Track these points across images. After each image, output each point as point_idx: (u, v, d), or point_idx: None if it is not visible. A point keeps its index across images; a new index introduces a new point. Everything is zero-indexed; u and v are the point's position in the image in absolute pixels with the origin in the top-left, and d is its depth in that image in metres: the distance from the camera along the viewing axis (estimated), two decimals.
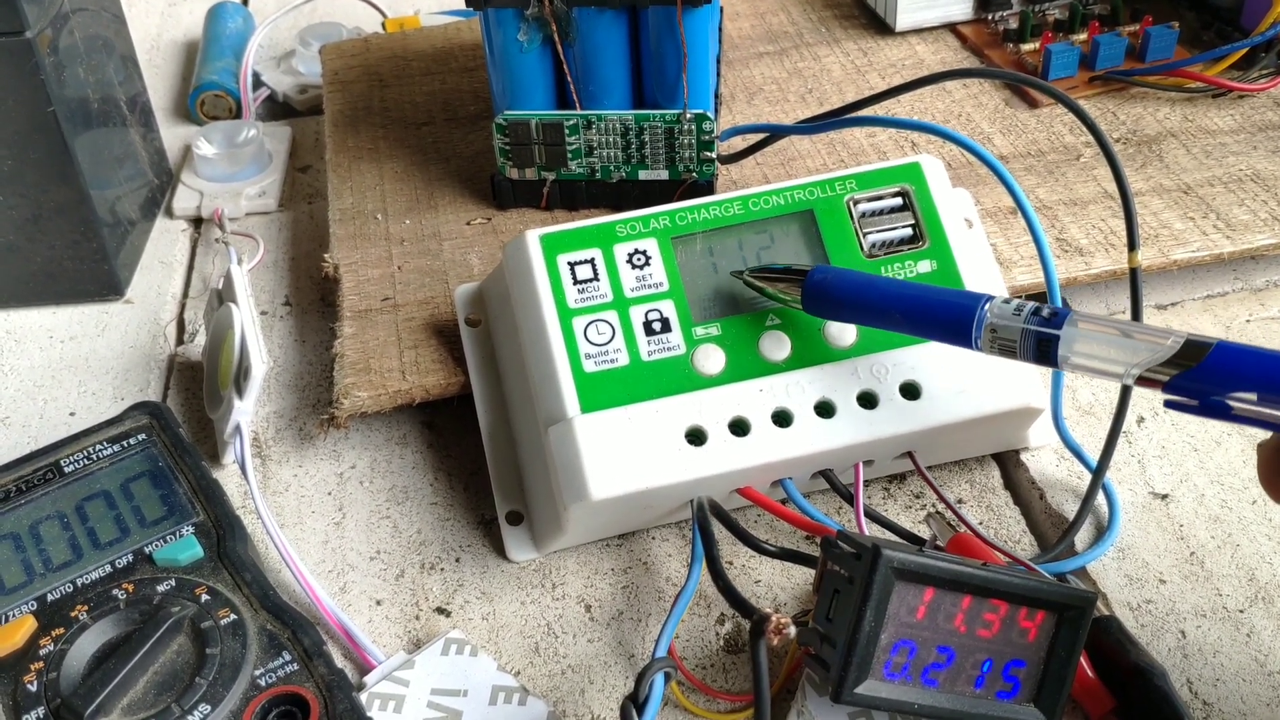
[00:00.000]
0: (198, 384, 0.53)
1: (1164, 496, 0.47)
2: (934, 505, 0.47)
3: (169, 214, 0.63)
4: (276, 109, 0.72)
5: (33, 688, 0.36)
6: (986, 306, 0.38)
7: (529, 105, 0.54)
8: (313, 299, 0.58)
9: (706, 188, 0.55)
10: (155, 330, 0.56)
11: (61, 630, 0.37)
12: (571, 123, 0.53)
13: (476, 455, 0.49)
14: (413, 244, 0.55)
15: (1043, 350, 0.36)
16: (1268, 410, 0.32)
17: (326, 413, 0.48)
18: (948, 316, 0.39)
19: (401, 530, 0.47)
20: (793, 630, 0.34)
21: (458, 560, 0.45)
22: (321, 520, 0.47)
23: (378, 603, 0.44)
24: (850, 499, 0.44)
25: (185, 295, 0.58)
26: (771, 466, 0.43)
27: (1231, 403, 0.33)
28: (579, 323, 0.44)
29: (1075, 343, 0.36)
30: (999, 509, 0.47)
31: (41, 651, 0.36)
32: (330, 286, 0.58)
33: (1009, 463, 0.49)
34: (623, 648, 0.42)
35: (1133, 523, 0.46)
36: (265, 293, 0.58)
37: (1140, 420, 0.50)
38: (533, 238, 0.45)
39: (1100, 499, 0.46)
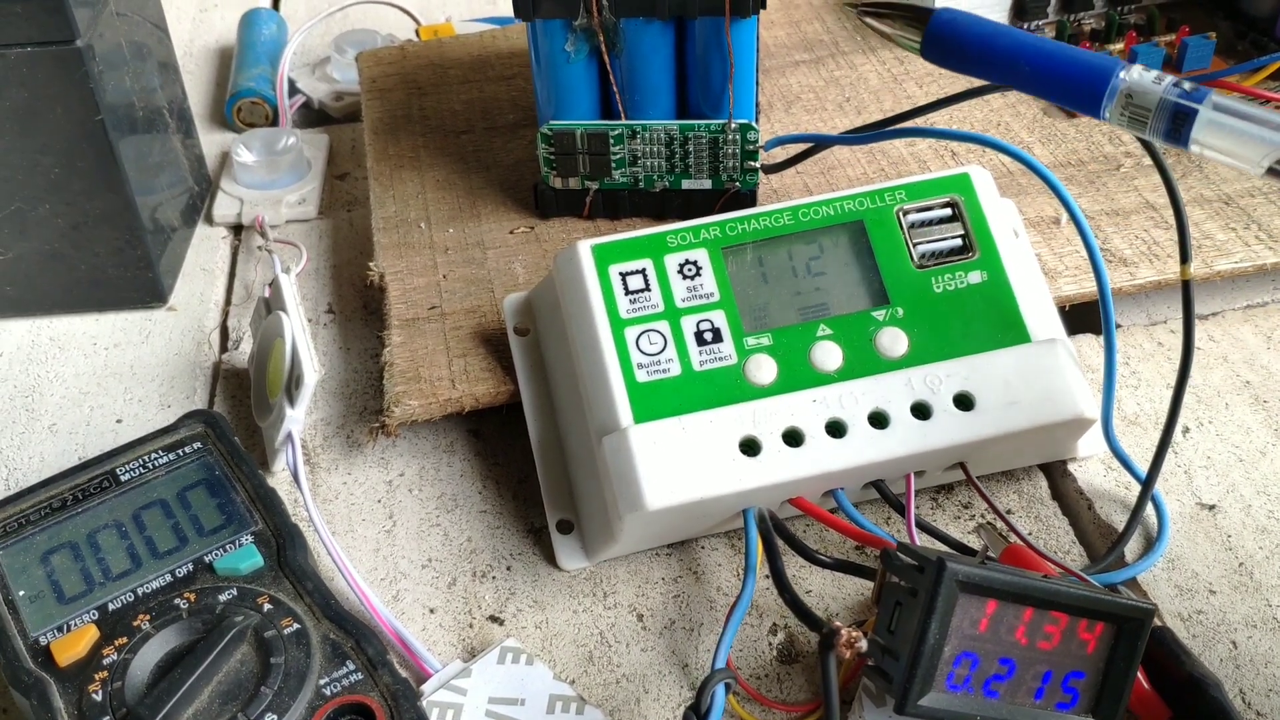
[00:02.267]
0: (244, 391, 0.53)
1: (1211, 507, 0.47)
2: (985, 516, 0.47)
3: (209, 221, 0.63)
4: (312, 116, 0.72)
5: (98, 697, 0.36)
6: (1123, 72, 0.37)
7: (574, 115, 0.54)
8: (355, 307, 0.58)
9: (749, 198, 0.55)
10: (199, 337, 0.56)
11: (124, 640, 0.37)
12: (616, 133, 0.54)
13: (524, 464, 0.49)
14: (457, 252, 0.55)
15: (1176, 125, 0.35)
16: None
17: (377, 421, 0.48)
18: (1080, 76, 0.38)
19: (452, 538, 0.47)
20: (864, 644, 0.34)
21: (509, 568, 0.46)
22: (372, 528, 0.47)
23: (431, 611, 0.44)
24: (901, 509, 0.44)
25: (228, 302, 0.58)
26: (826, 477, 0.43)
27: None
28: (631, 333, 0.44)
29: (1210, 125, 0.35)
30: (1047, 519, 0.47)
31: (105, 661, 0.37)
32: (373, 294, 0.58)
33: (1056, 473, 0.49)
34: (676, 657, 0.42)
35: (1181, 533, 0.46)
36: (308, 300, 0.58)
37: (1185, 430, 0.50)
38: (584, 248, 0.46)
39: (1148, 510, 0.46)
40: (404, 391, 0.48)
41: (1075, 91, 0.38)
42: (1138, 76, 0.36)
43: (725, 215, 0.46)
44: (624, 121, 0.53)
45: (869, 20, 0.44)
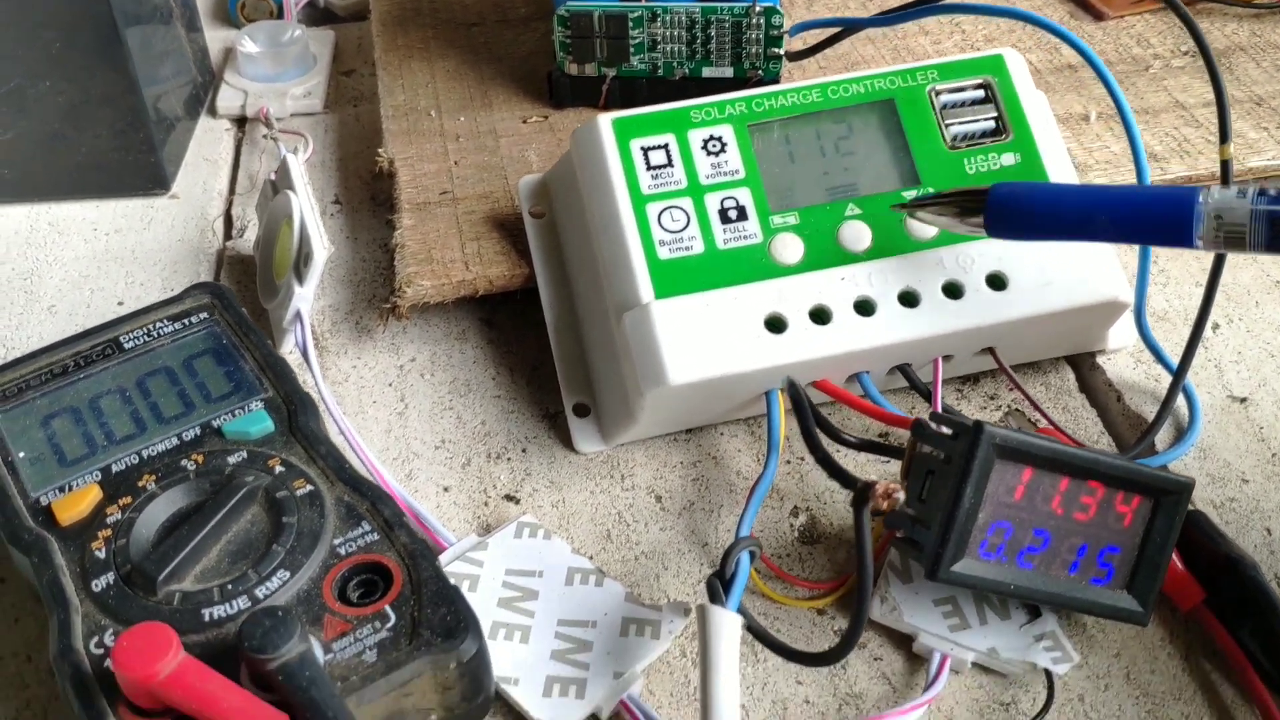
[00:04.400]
0: (249, 277, 0.51)
1: (1243, 400, 0.46)
2: (1012, 405, 0.46)
3: (213, 113, 0.61)
4: (317, 15, 0.71)
5: (101, 554, 0.34)
6: (1203, 196, 0.35)
7: None
8: (363, 198, 0.56)
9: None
10: (203, 225, 0.55)
11: (129, 499, 0.36)
12: (636, 15, 0.52)
13: (538, 351, 0.48)
14: (468, 140, 0.54)
15: (1276, 231, 0.33)
16: None
17: (389, 302, 0.47)
18: (1162, 215, 0.35)
19: (465, 421, 0.45)
20: (902, 495, 0.33)
21: (524, 451, 0.44)
22: (384, 410, 0.46)
23: (445, 489, 0.43)
24: (928, 395, 0.43)
25: (232, 191, 0.57)
26: (854, 356, 0.41)
27: None
28: (653, 209, 0.43)
29: None
30: (1075, 411, 0.46)
31: (109, 520, 0.35)
32: (382, 185, 0.56)
33: (1084, 366, 0.48)
34: (696, 536, 0.41)
35: (1212, 424, 0.45)
36: (315, 191, 0.56)
37: (1215, 327, 0.49)
38: (605, 121, 0.44)
39: (1179, 402, 0.45)
40: (416, 273, 0.47)
41: (1161, 230, 0.36)
42: (1219, 196, 0.34)
43: (752, 91, 0.45)
44: (644, 3, 0.52)
45: (922, 216, 0.41)
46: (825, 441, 0.40)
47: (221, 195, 0.57)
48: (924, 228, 0.43)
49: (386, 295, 0.50)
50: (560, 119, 0.55)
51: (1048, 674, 0.37)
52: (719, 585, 0.35)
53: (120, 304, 0.50)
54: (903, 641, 0.38)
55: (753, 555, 0.37)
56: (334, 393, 0.46)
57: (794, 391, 0.40)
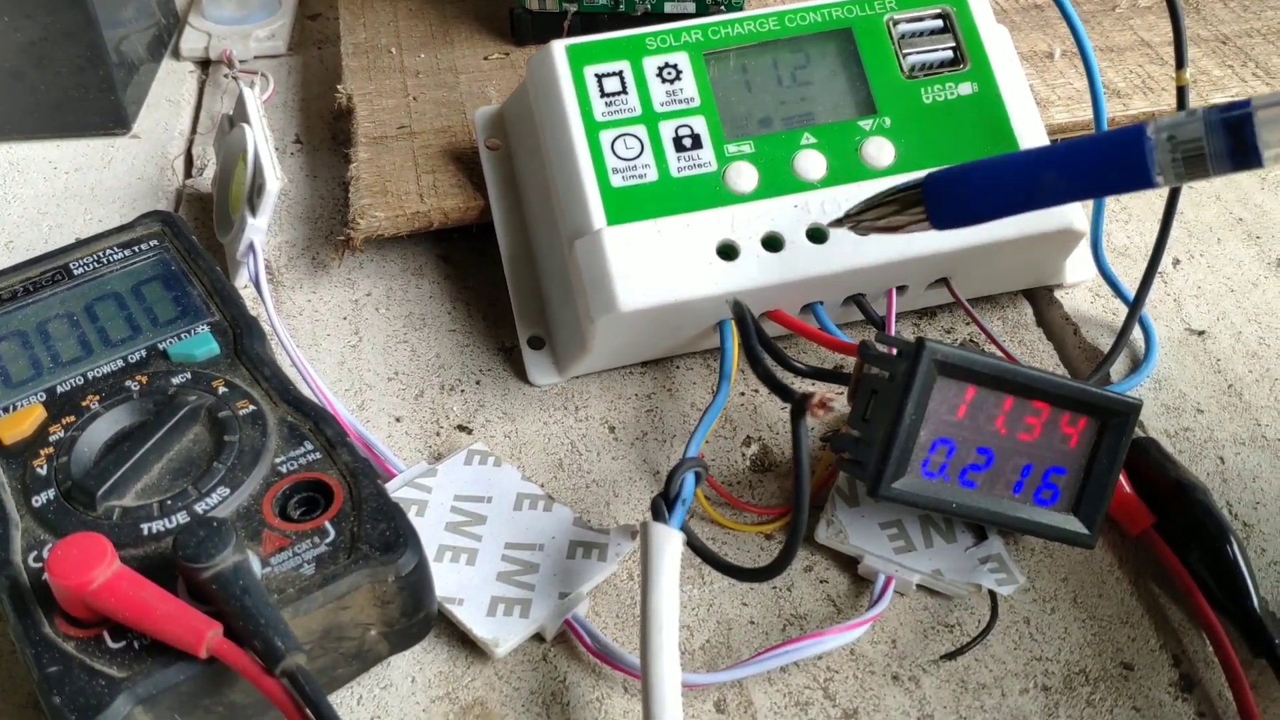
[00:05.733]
0: (207, 215, 0.51)
1: (1201, 333, 0.46)
2: (970, 336, 0.46)
3: (176, 55, 0.61)
4: None
5: (42, 471, 0.34)
6: (1150, 127, 0.32)
7: None
8: (323, 137, 0.56)
9: None
10: (163, 164, 0.54)
11: (72, 419, 0.36)
12: None
13: (494, 287, 0.48)
14: (428, 77, 0.53)
15: (1238, 141, 0.30)
16: None
17: (342, 234, 0.46)
18: (1113, 156, 0.32)
19: (420, 354, 0.45)
20: (837, 405, 0.33)
21: (478, 383, 0.44)
22: (337, 343, 0.46)
23: (397, 419, 0.43)
24: (882, 326, 0.43)
25: (193, 132, 0.56)
26: (806, 283, 0.41)
27: None
28: (606, 136, 0.43)
29: (1272, 122, 0.29)
30: (1032, 344, 0.46)
31: (51, 438, 0.35)
32: (343, 124, 0.56)
33: (1041, 300, 0.48)
34: (648, 465, 0.41)
35: (1169, 356, 0.45)
36: (275, 131, 0.56)
37: (1176, 262, 0.49)
38: (559, 48, 0.44)
39: (1136, 335, 0.45)
40: (370, 204, 0.46)
41: (1116, 174, 0.32)
42: (1168, 119, 0.31)
43: (708, 18, 0.44)
44: None
45: (866, 225, 0.37)
46: (771, 364, 0.39)
47: (183, 135, 0.56)
48: (880, 154, 0.43)
49: (342, 230, 0.50)
50: (521, 55, 0.55)
51: (992, 595, 0.37)
52: (663, 504, 0.35)
53: (78, 239, 0.50)
54: (848, 564, 0.38)
55: (699, 476, 0.37)
56: (287, 325, 0.46)
57: (738, 310, 0.40)
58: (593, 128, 0.43)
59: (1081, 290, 0.47)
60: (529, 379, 0.44)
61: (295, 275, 0.48)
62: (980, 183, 0.35)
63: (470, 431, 0.42)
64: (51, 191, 0.53)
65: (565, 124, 0.43)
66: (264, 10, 0.62)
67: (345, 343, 0.46)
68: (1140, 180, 0.32)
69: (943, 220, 0.35)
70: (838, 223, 0.39)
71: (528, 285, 0.46)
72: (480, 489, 0.39)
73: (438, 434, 0.42)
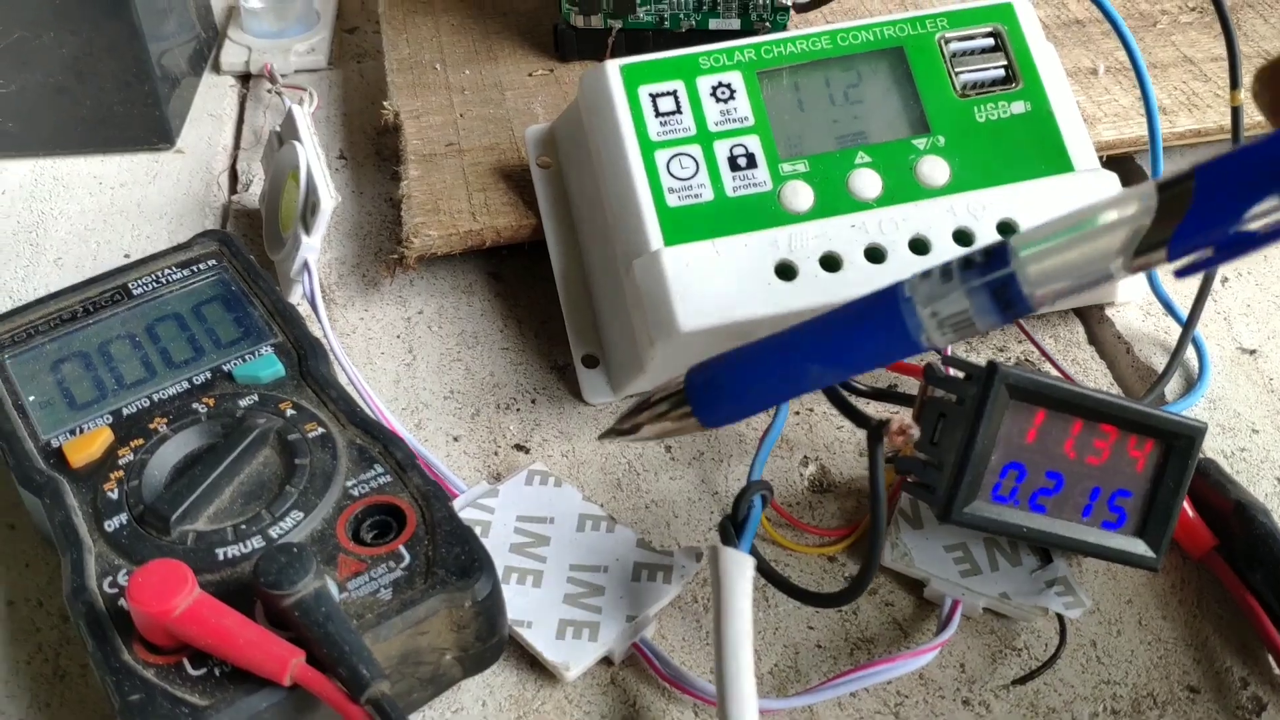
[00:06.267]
0: (255, 231, 0.51)
1: (1252, 352, 0.46)
2: (1023, 355, 0.46)
3: (216, 69, 0.61)
4: None
5: (114, 495, 0.34)
6: (906, 288, 0.29)
7: None
8: (368, 152, 0.56)
9: None
10: (208, 179, 0.54)
11: (140, 441, 0.36)
12: None
13: (545, 305, 0.48)
14: (474, 93, 0.53)
15: (1003, 301, 0.28)
16: None
17: (395, 252, 0.46)
18: (871, 331, 0.30)
19: (474, 373, 0.45)
20: (916, 431, 0.33)
21: (533, 402, 0.44)
22: (391, 361, 0.46)
23: (455, 439, 0.43)
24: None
25: (237, 147, 0.56)
26: None
27: (1252, 224, 0.24)
28: (661, 156, 0.43)
29: (1032, 268, 0.27)
30: (1084, 363, 0.46)
31: (121, 461, 0.35)
32: (387, 140, 0.56)
33: (1092, 319, 0.48)
34: (706, 485, 0.41)
35: (1222, 375, 0.45)
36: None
37: (1224, 280, 0.49)
38: (613, 68, 0.44)
39: (1189, 354, 0.45)
40: (423, 223, 0.47)
41: (879, 348, 0.30)
42: (925, 290, 0.28)
43: (760, 38, 0.44)
44: None
45: (634, 438, 0.34)
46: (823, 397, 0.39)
47: (226, 150, 0.56)
48: (935, 173, 0.43)
49: (393, 247, 0.50)
50: (566, 72, 0.55)
51: (1060, 619, 0.37)
52: (730, 527, 0.35)
53: (126, 256, 0.50)
54: (913, 587, 0.38)
55: (764, 499, 0.37)
56: (342, 343, 0.46)
57: None
58: (648, 147, 0.43)
59: (1132, 308, 0.47)
60: (584, 398, 0.44)
61: (346, 293, 0.48)
62: (746, 374, 0.32)
63: (528, 451, 0.42)
64: (97, 207, 0.53)
65: (621, 144, 0.43)
66: (302, 24, 0.62)
67: (400, 361, 0.46)
68: (912, 350, 0.30)
69: (712, 420, 0.33)
70: (608, 434, 0.35)
71: (580, 304, 0.46)
72: (542, 510, 0.39)
73: (495, 453, 0.42)
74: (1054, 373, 0.44)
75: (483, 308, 0.48)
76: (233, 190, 0.54)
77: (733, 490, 0.41)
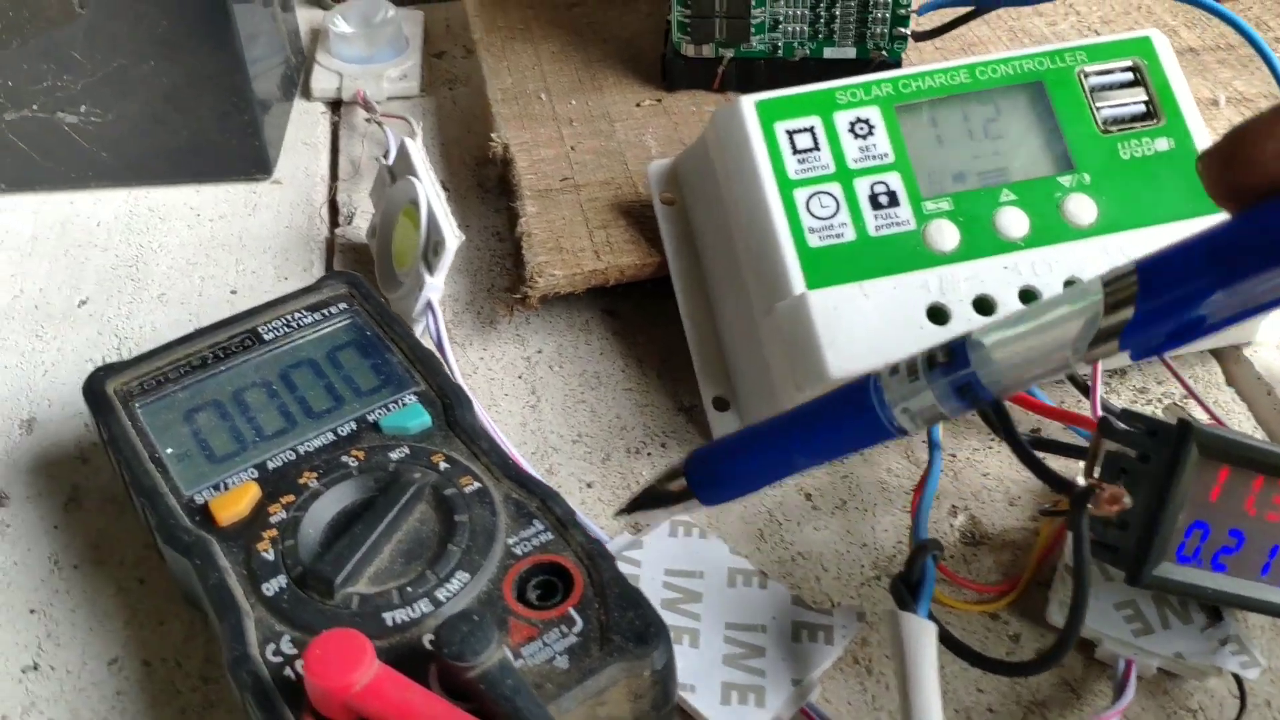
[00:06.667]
0: (361, 265, 0.50)
1: None
2: (1163, 399, 0.44)
3: (306, 95, 0.60)
4: None
5: (269, 556, 0.33)
6: (880, 381, 0.30)
7: None
8: (470, 184, 0.55)
9: (893, 69, 0.52)
10: (309, 211, 0.53)
11: (291, 497, 0.34)
12: None
13: (666, 342, 0.46)
14: (582, 124, 0.52)
15: (969, 397, 0.29)
16: (1241, 293, 0.25)
17: (519, 292, 0.45)
18: (846, 421, 0.31)
19: (600, 415, 0.44)
20: (1129, 500, 0.31)
21: (663, 445, 0.43)
22: (516, 403, 0.44)
23: (588, 485, 0.41)
24: (1086, 390, 0.42)
25: (334, 177, 0.55)
26: None
27: (1204, 312, 0.25)
28: (800, 195, 0.42)
29: (993, 365, 0.28)
30: (1225, 405, 0.45)
31: (272, 519, 0.34)
32: (488, 171, 0.55)
33: (1229, 359, 0.46)
34: (853, 536, 0.40)
35: None
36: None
37: None
38: (748, 104, 0.43)
39: None
40: (546, 262, 0.45)
41: (857, 439, 0.31)
42: (896, 390, 0.29)
43: (897, 71, 0.43)
44: None
45: (646, 514, 0.34)
46: (974, 448, 0.38)
47: (323, 180, 0.55)
48: (1082, 213, 0.41)
49: (509, 285, 0.49)
50: (674, 102, 0.54)
51: (1237, 679, 0.35)
52: (904, 590, 0.34)
53: (233, 292, 0.49)
54: (1082, 645, 0.37)
55: (935, 559, 0.35)
56: (467, 385, 0.44)
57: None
58: (786, 186, 0.42)
59: (1269, 347, 0.46)
60: None
61: (464, 332, 0.47)
62: (734, 469, 0.33)
63: None
64: (197, 240, 0.51)
65: (759, 182, 0.42)
66: (392, 49, 0.61)
67: (524, 403, 0.44)
68: (886, 436, 0.30)
69: (711, 500, 0.34)
70: (621, 513, 0.35)
71: (709, 344, 0.44)
72: (690, 563, 0.38)
73: None
74: (1205, 417, 0.43)
75: (601, 346, 0.47)
76: (334, 223, 0.53)
77: (881, 541, 0.40)
